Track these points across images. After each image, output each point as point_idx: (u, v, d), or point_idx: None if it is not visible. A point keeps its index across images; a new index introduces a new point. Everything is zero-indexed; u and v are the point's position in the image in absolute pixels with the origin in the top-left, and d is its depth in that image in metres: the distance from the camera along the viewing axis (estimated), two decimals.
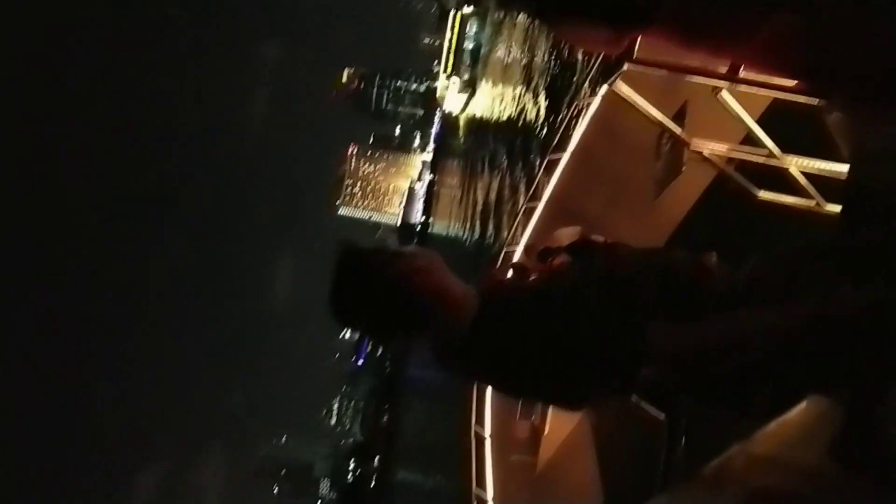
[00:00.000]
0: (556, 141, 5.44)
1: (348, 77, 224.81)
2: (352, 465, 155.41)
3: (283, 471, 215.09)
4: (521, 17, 49.80)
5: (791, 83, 1.64)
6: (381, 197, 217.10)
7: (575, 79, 22.43)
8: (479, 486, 4.98)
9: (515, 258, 5.10)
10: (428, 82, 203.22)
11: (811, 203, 3.77)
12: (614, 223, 4.32)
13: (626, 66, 2.72)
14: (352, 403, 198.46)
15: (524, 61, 43.54)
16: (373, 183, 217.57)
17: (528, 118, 36.84)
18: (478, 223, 45.55)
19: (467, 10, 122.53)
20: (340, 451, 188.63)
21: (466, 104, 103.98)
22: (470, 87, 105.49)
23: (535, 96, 35.78)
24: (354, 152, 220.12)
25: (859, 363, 1.24)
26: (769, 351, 1.31)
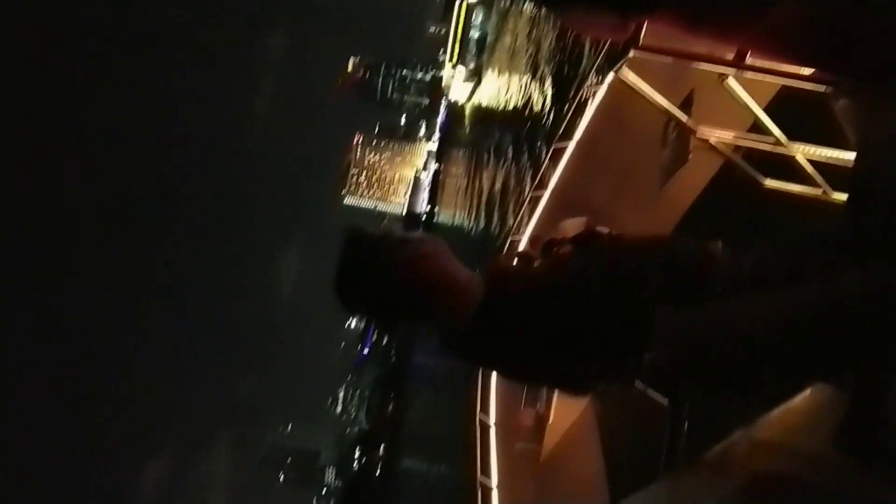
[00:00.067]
0: (561, 129, 5.42)
1: (354, 66, 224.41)
2: (357, 454, 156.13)
3: (289, 459, 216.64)
4: (527, 6, 49.56)
5: (798, 70, 1.63)
6: (387, 186, 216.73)
7: (581, 67, 22.35)
8: (484, 474, 5.00)
9: (521, 247, 5.09)
10: (434, 71, 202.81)
11: (818, 191, 3.76)
12: (620, 211, 4.31)
13: (632, 54, 2.71)
14: (357, 392, 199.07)
15: (530, 50, 43.29)
16: (378, 172, 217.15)
17: (533, 107, 36.68)
18: (483, 212, 45.48)
19: None
20: (346, 440, 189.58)
21: (472, 93, 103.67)
22: (476, 76, 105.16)
23: (541, 85, 35.62)
24: (360, 141, 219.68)
25: (864, 349, 1.24)
26: (774, 337, 1.31)
